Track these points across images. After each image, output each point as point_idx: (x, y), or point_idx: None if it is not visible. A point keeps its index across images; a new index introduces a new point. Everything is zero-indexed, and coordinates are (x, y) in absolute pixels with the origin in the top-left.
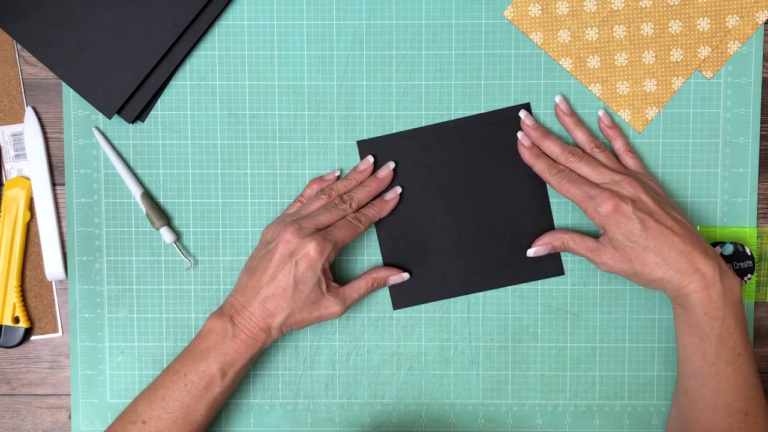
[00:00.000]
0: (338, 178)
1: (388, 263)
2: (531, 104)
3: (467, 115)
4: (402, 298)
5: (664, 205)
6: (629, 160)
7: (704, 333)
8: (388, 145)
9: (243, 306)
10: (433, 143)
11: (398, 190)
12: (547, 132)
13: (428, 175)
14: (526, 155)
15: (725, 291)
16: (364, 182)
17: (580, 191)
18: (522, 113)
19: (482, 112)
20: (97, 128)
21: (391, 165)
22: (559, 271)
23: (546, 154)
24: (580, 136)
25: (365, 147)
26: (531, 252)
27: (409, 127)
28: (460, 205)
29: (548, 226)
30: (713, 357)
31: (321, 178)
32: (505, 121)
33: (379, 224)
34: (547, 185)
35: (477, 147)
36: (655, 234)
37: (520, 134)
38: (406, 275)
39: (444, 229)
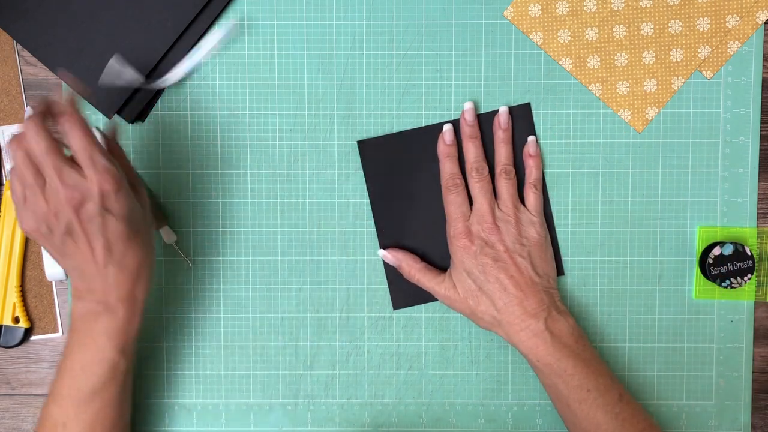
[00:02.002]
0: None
1: (389, 264)
2: (531, 104)
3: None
4: (402, 298)
5: (518, 251)
6: (530, 195)
7: (547, 376)
8: (389, 145)
9: (98, 285)
10: (434, 143)
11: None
12: (477, 134)
13: (428, 175)
14: (441, 150)
15: (554, 337)
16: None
17: (452, 211)
18: (467, 104)
19: (482, 112)
20: (97, 128)
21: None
22: (559, 271)
23: (457, 158)
24: (500, 154)
25: (365, 147)
26: (380, 253)
27: (409, 127)
28: None
29: (550, 226)
30: (566, 397)
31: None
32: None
33: (379, 225)
34: (546, 187)
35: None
36: (492, 279)
37: (446, 126)
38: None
39: (444, 229)
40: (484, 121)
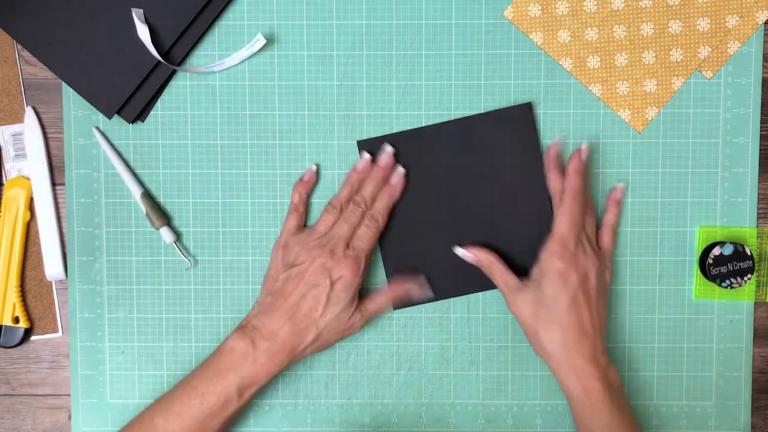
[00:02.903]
0: (316, 173)
1: (389, 264)
2: (531, 104)
3: (467, 115)
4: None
5: (593, 295)
6: (606, 237)
7: (588, 423)
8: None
9: (268, 328)
10: (434, 143)
11: (401, 171)
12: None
13: (428, 175)
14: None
15: (611, 385)
16: (368, 177)
17: (566, 229)
18: (584, 148)
19: (482, 111)
20: (97, 128)
21: (389, 149)
22: None
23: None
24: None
25: (365, 147)
26: (458, 251)
27: (409, 127)
28: (460, 205)
29: (548, 227)
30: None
31: (302, 181)
32: (506, 120)
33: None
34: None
35: (477, 147)
36: (573, 313)
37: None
38: (430, 293)
39: (444, 229)
40: (485, 121)
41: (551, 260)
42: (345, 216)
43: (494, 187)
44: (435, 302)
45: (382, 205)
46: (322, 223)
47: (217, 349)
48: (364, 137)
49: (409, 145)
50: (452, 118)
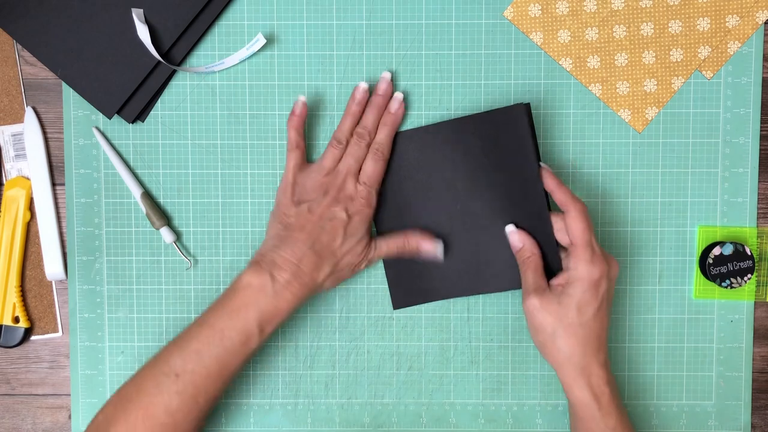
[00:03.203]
0: (304, 103)
1: (389, 264)
2: (529, 104)
3: (467, 114)
4: (402, 297)
5: (612, 297)
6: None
7: (591, 423)
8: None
9: (288, 260)
10: (433, 142)
11: (400, 96)
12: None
13: (427, 174)
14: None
15: (613, 391)
16: (368, 106)
17: (588, 232)
18: (385, 74)
19: (482, 110)
20: (97, 128)
21: (387, 75)
22: (556, 266)
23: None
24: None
25: None
26: (509, 228)
27: (409, 128)
28: (459, 204)
29: (547, 227)
30: None
31: (294, 115)
32: (505, 119)
33: (378, 223)
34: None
35: (476, 145)
36: (597, 322)
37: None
38: (440, 250)
39: (444, 228)
40: (484, 121)
41: (583, 267)
42: (350, 150)
43: (493, 187)
44: (435, 302)
45: (384, 135)
46: (328, 158)
47: (231, 287)
48: None
49: (409, 144)
50: (452, 118)
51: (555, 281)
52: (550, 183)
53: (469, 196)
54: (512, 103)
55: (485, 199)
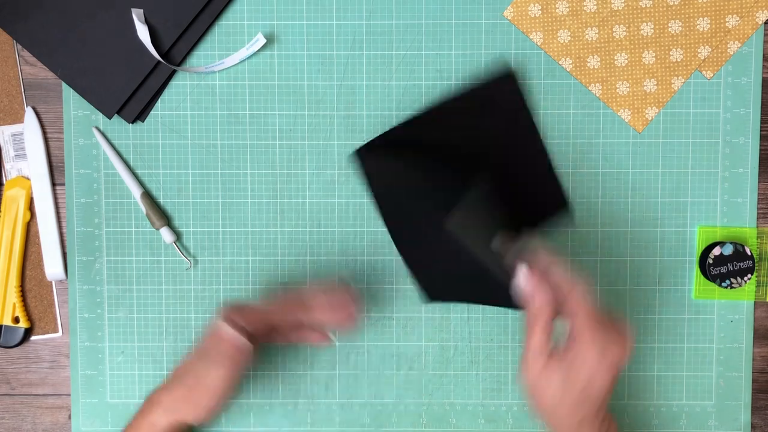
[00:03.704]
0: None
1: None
2: (528, 104)
3: (449, 97)
4: (434, 290)
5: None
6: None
7: None
8: (387, 148)
9: (177, 388)
10: (430, 130)
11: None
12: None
13: (423, 164)
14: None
15: None
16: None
17: (594, 315)
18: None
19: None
20: (97, 128)
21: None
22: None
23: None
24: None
25: (362, 158)
26: (522, 272)
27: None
28: (461, 187)
29: (549, 191)
30: None
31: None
32: (493, 92)
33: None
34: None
35: (471, 124)
36: (603, 392)
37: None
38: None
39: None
40: (472, 97)
41: (608, 344)
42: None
43: (496, 162)
44: (435, 302)
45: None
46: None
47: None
48: (364, 137)
49: (402, 142)
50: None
51: (563, 348)
52: (543, 262)
53: (472, 174)
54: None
55: (490, 175)
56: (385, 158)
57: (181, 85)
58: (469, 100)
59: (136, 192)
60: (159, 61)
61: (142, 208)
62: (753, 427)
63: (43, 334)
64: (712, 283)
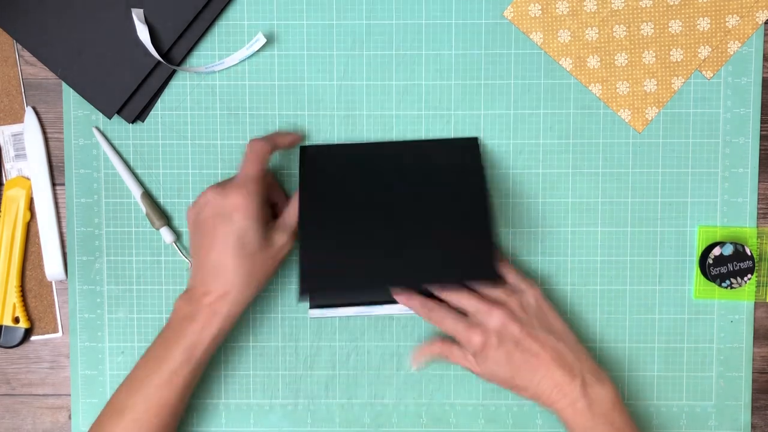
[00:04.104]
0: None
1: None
2: (525, 106)
3: (417, 139)
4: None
5: (532, 324)
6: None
7: None
8: (332, 155)
9: (198, 284)
10: (378, 160)
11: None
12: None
13: (367, 189)
14: (401, 298)
15: (591, 403)
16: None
17: (451, 327)
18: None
19: (480, 112)
20: (97, 128)
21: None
22: (493, 276)
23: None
24: None
25: (310, 153)
26: (413, 367)
27: (409, 127)
28: (395, 224)
29: (488, 239)
30: None
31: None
32: (453, 150)
33: (303, 236)
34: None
35: (421, 170)
36: (520, 364)
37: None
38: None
39: (378, 245)
40: (430, 149)
41: (468, 345)
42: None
43: (432, 211)
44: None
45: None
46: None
47: (168, 323)
48: (364, 137)
49: (353, 158)
50: (452, 118)
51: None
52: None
53: (407, 215)
54: (511, 103)
55: (425, 220)
56: (328, 159)
57: (181, 85)
58: (429, 147)
59: (136, 192)
60: (159, 61)
61: (142, 208)
62: (753, 427)
63: (43, 334)
64: (712, 283)
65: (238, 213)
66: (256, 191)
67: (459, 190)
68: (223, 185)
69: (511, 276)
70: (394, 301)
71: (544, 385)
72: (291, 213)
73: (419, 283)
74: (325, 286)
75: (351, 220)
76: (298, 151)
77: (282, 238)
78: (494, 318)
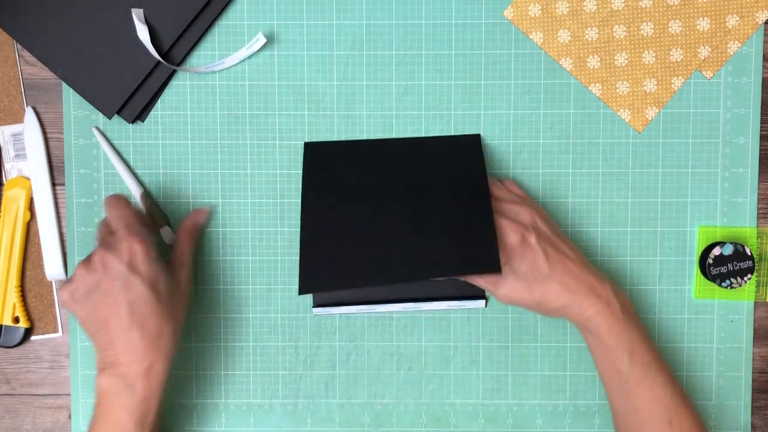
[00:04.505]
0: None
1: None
2: (525, 106)
3: (417, 137)
4: (315, 281)
5: (559, 232)
6: (513, 187)
7: (614, 351)
8: (335, 152)
9: (120, 356)
10: (379, 157)
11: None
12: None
13: (368, 185)
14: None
15: (623, 307)
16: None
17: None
18: None
19: (480, 112)
20: (97, 128)
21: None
22: (496, 269)
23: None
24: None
25: (313, 150)
26: None
27: (409, 127)
28: (397, 221)
29: (489, 231)
30: (627, 374)
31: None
32: (455, 147)
33: (305, 236)
34: (546, 186)
35: (422, 167)
36: (555, 263)
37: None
38: (207, 209)
39: (378, 242)
40: (432, 146)
41: (504, 241)
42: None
43: (434, 205)
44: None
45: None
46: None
47: (96, 402)
48: (364, 137)
49: (356, 154)
50: (452, 118)
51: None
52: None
53: (408, 210)
54: (511, 104)
55: (426, 217)
56: (329, 155)
57: (181, 85)
58: (431, 143)
59: (136, 192)
60: (159, 61)
61: (142, 208)
62: (753, 427)
63: (43, 334)
64: (712, 283)
65: (141, 261)
66: (147, 232)
67: (461, 185)
68: (107, 241)
69: (515, 188)
70: (395, 300)
71: (578, 288)
72: (183, 248)
73: (421, 278)
74: (327, 281)
75: (353, 215)
76: (302, 148)
77: (185, 273)
78: (528, 215)
